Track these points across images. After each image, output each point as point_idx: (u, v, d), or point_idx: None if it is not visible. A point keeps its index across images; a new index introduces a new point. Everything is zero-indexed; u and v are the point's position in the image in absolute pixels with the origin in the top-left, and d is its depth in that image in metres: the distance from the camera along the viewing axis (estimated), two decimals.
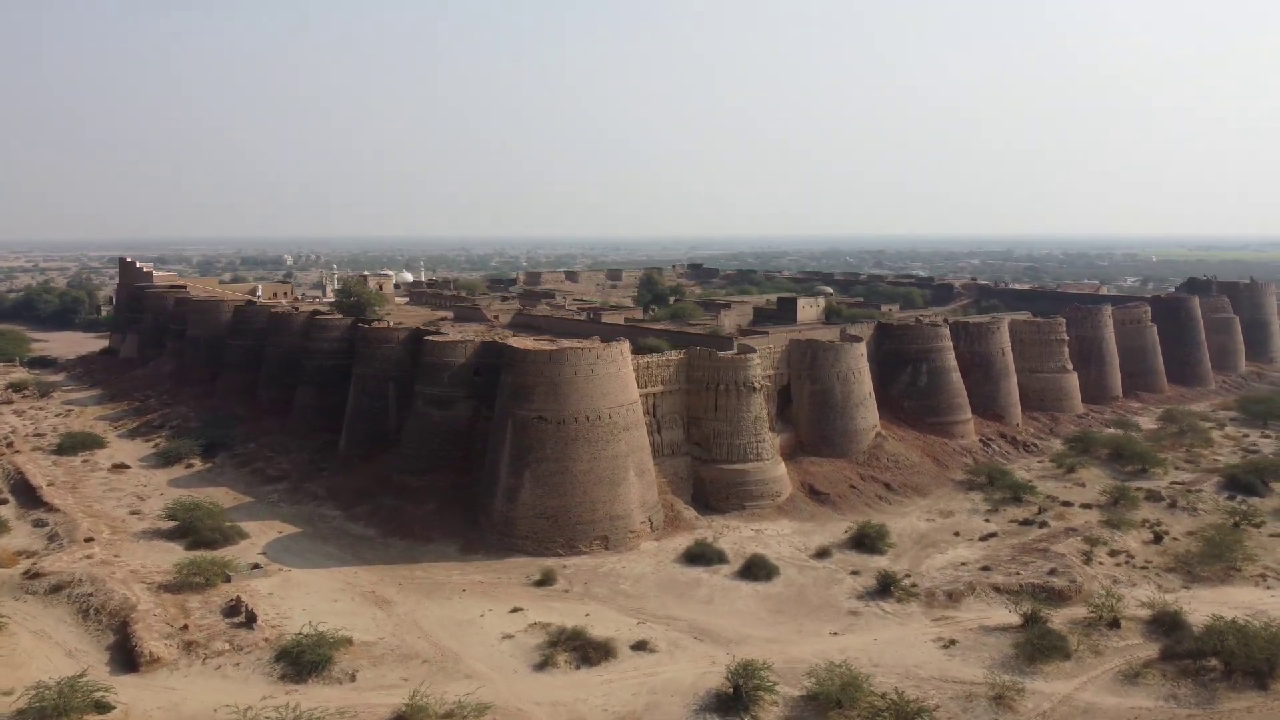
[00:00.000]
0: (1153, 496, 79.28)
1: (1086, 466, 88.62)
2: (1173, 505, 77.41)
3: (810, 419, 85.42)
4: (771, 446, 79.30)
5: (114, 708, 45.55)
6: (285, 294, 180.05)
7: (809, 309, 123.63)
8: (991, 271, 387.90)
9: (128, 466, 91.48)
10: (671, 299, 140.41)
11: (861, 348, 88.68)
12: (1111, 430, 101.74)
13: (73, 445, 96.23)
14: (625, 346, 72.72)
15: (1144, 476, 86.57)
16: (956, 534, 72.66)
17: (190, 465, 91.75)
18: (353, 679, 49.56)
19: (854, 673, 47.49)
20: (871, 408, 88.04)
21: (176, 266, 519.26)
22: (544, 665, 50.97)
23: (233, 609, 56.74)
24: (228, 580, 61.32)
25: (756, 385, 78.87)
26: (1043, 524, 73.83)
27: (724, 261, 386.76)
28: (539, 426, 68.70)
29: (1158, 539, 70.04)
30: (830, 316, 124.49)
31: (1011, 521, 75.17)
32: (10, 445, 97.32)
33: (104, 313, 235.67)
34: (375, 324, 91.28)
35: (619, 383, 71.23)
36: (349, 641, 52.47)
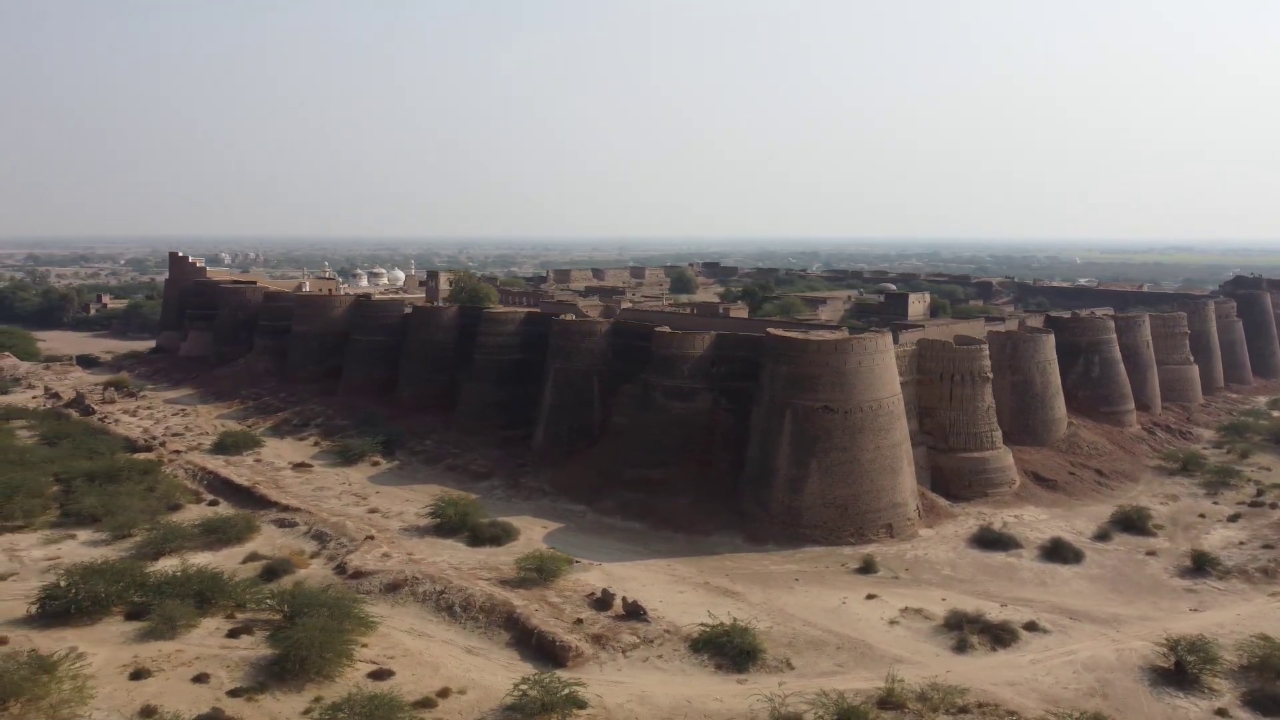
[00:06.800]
0: None
1: (1259, 452, 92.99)
2: None
3: (1013, 409, 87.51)
4: (1000, 436, 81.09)
5: (587, 703, 44.34)
6: (331, 289, 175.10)
7: (918, 304, 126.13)
8: (930, 270, 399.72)
9: (310, 466, 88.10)
10: (762, 295, 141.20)
11: (1052, 340, 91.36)
12: (1239, 418, 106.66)
13: (235, 444, 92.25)
14: (890, 338, 73.46)
15: None
16: (1201, 516, 75.58)
17: (376, 463, 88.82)
18: (790, 666, 49.25)
19: None
20: (1062, 398, 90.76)
21: (101, 266, 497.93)
22: (962, 648, 51.42)
23: (600, 602, 55.56)
24: (555, 575, 59.86)
25: (988, 375, 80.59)
26: (1272, 505, 77.31)
27: (671, 260, 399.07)
28: (825, 417, 68.90)
29: None
30: (936, 312, 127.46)
31: (1239, 504, 78.52)
32: (164, 445, 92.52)
33: (93, 310, 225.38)
34: (566, 317, 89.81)
35: (891, 373, 72.03)
36: (748, 631, 51.91)
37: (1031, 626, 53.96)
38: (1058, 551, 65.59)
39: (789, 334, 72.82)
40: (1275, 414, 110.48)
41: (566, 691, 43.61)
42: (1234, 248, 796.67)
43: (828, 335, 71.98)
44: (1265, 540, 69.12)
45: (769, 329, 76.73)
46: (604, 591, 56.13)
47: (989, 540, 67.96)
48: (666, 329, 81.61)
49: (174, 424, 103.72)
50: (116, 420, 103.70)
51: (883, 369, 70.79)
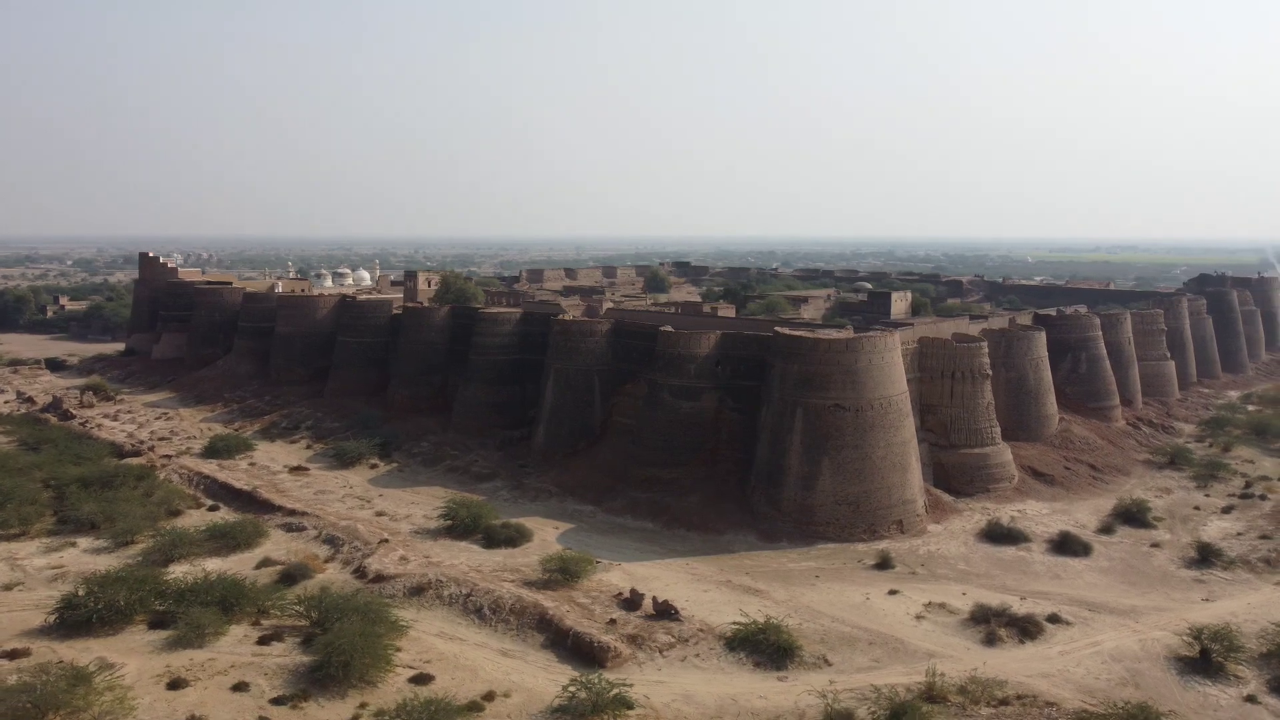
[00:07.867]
0: None
1: (1240, 445, 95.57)
2: None
3: (1007, 406, 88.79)
4: (999, 432, 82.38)
5: (635, 703, 44.28)
6: (304, 289, 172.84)
7: (900, 303, 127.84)
8: (893, 269, 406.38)
9: (307, 469, 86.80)
10: (744, 294, 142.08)
11: (1044, 337, 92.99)
12: (1217, 413, 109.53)
13: (226, 448, 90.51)
14: (897, 336, 74.27)
15: None
16: (1196, 508, 77.49)
17: (374, 465, 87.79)
18: (828, 663, 49.56)
19: None
20: (1053, 394, 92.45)
21: (48, 266, 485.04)
22: (991, 641, 52.16)
23: (629, 603, 55.49)
24: (579, 576, 59.63)
25: (988, 373, 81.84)
26: (1262, 496, 79.49)
27: (631, 259, 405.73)
28: (836, 415, 69.45)
29: None
30: (918, 310, 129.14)
31: (1230, 496, 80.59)
32: (152, 449, 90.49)
33: (50, 312, 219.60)
34: (566, 317, 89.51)
35: (899, 371, 72.84)
36: (782, 629, 52.17)
37: (1054, 618, 54.87)
38: (1066, 545, 66.78)
39: (798, 333, 73.26)
40: (1250, 408, 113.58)
41: (615, 692, 43.49)
42: (1175, 247, 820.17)
43: (838, 334, 72.64)
44: (1261, 531, 71.07)
45: (776, 328, 77.22)
46: (633, 591, 56.03)
47: (998, 535, 69.03)
48: (670, 329, 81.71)
49: (158, 428, 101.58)
50: (99, 425, 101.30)
51: (891, 367, 71.59)
